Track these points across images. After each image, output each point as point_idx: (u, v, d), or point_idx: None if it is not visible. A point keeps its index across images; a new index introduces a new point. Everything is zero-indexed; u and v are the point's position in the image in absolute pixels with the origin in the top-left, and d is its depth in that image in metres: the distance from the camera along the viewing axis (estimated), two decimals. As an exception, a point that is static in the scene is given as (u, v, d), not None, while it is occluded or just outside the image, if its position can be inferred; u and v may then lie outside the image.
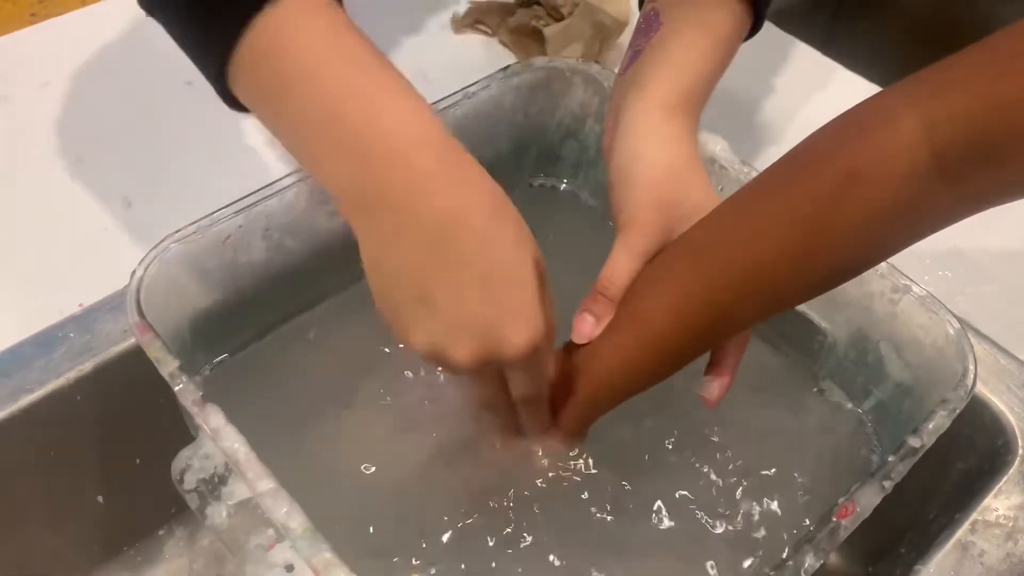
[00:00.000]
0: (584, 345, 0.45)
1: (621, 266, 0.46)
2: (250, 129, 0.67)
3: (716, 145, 0.57)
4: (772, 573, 0.40)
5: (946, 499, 0.56)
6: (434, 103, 0.57)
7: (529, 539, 0.49)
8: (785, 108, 0.76)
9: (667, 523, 0.50)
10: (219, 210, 0.49)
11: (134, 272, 0.46)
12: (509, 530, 0.49)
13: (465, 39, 0.80)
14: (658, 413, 0.53)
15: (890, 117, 0.38)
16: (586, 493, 0.50)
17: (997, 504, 0.53)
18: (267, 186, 0.51)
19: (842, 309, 0.55)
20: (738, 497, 0.52)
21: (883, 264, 0.50)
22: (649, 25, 0.52)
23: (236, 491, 0.42)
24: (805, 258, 0.41)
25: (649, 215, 0.47)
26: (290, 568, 0.41)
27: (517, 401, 0.44)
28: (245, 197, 0.50)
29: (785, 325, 0.58)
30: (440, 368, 0.41)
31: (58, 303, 0.56)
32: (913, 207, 0.39)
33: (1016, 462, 0.54)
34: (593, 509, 0.50)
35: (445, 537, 0.48)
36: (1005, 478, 0.54)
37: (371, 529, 0.48)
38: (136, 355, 0.45)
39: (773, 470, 0.53)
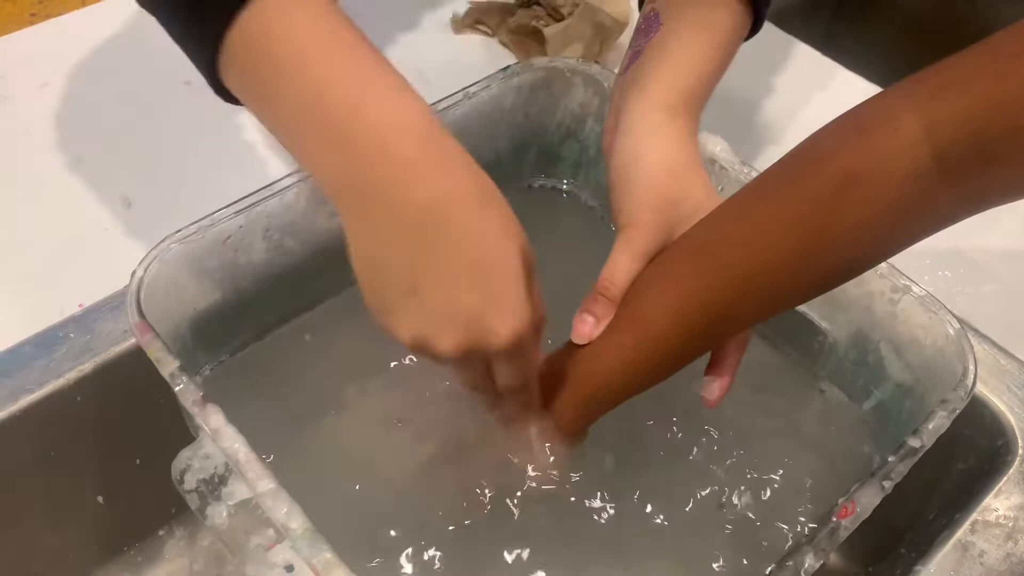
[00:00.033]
0: (584, 345, 0.45)
1: (621, 267, 0.46)
2: (250, 129, 0.67)
3: (716, 145, 0.57)
4: (772, 573, 0.40)
5: (946, 499, 0.56)
6: (434, 103, 0.57)
7: (529, 539, 0.49)
8: (785, 108, 0.76)
9: (667, 523, 0.50)
10: (219, 210, 0.49)
11: (134, 272, 0.46)
12: (509, 530, 0.49)
13: (465, 39, 0.80)
14: (658, 413, 0.53)
15: (891, 117, 0.38)
16: (586, 493, 0.50)
17: (997, 504, 0.53)
18: (267, 186, 0.51)
19: (842, 309, 0.55)
20: (738, 497, 0.52)
21: (883, 264, 0.50)
22: (649, 25, 0.52)
23: (236, 491, 0.42)
24: (806, 258, 0.41)
25: (649, 215, 0.47)
26: (290, 568, 0.41)
27: (503, 391, 0.44)
28: (245, 197, 0.50)
29: (785, 325, 0.58)
30: (426, 358, 0.40)
31: (58, 303, 0.56)
32: (914, 207, 0.39)
33: (1016, 462, 0.54)
34: (593, 509, 0.50)
35: (445, 537, 0.48)
36: (1005, 478, 0.54)
37: (371, 529, 0.48)
38: (136, 355, 0.45)
39: (773, 470, 0.53)
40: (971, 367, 0.48)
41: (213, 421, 0.41)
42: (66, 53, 0.73)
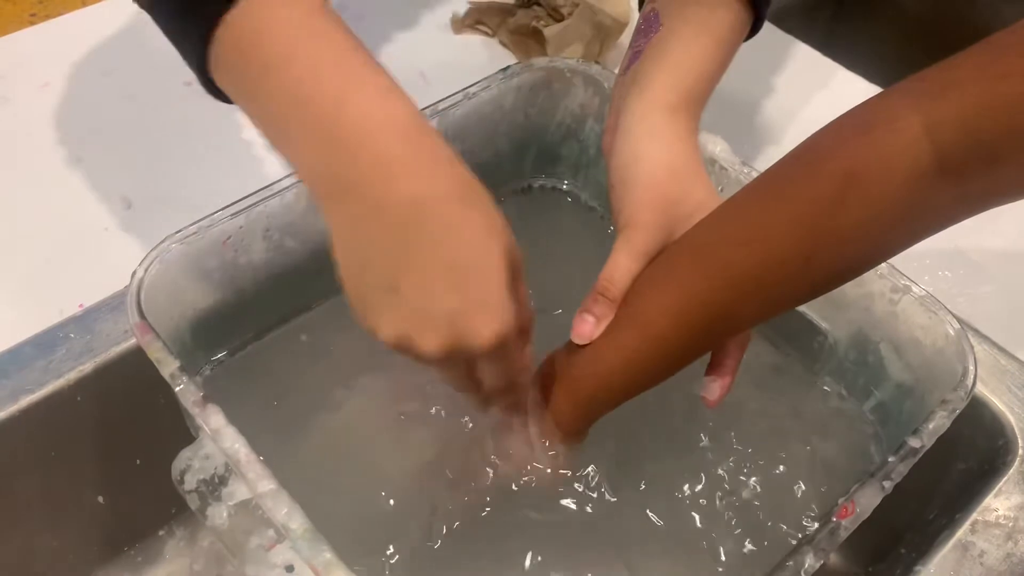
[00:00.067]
0: (584, 346, 0.45)
1: (622, 266, 0.46)
2: (250, 129, 0.67)
3: (716, 146, 0.57)
4: (773, 573, 0.40)
5: (946, 499, 0.56)
6: (434, 103, 0.57)
7: (529, 539, 0.49)
8: (785, 108, 0.76)
9: (667, 523, 0.50)
10: (219, 210, 0.49)
11: (134, 272, 0.46)
12: (510, 530, 0.49)
13: (465, 39, 0.80)
14: (658, 414, 0.53)
15: (892, 117, 0.38)
16: (586, 493, 0.50)
17: (997, 504, 0.53)
18: (267, 187, 0.51)
19: (842, 310, 0.55)
20: (738, 497, 0.52)
21: (883, 264, 0.50)
22: (649, 26, 0.52)
23: (236, 491, 0.42)
24: (806, 258, 0.41)
25: (650, 215, 0.47)
26: (290, 568, 0.41)
27: (489, 393, 0.44)
28: (245, 198, 0.50)
29: (786, 326, 0.58)
30: (410, 358, 0.40)
31: (58, 304, 0.56)
32: (915, 207, 0.39)
33: (1016, 462, 0.54)
34: (594, 509, 0.50)
35: (445, 537, 0.48)
36: (1005, 478, 0.54)
37: (371, 529, 0.48)
38: (136, 355, 0.45)
39: (773, 470, 0.53)
40: (971, 367, 0.48)
41: (213, 421, 0.41)
42: (66, 53, 0.73)
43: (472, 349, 0.38)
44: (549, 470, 0.49)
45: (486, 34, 0.80)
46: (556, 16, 0.75)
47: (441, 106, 0.57)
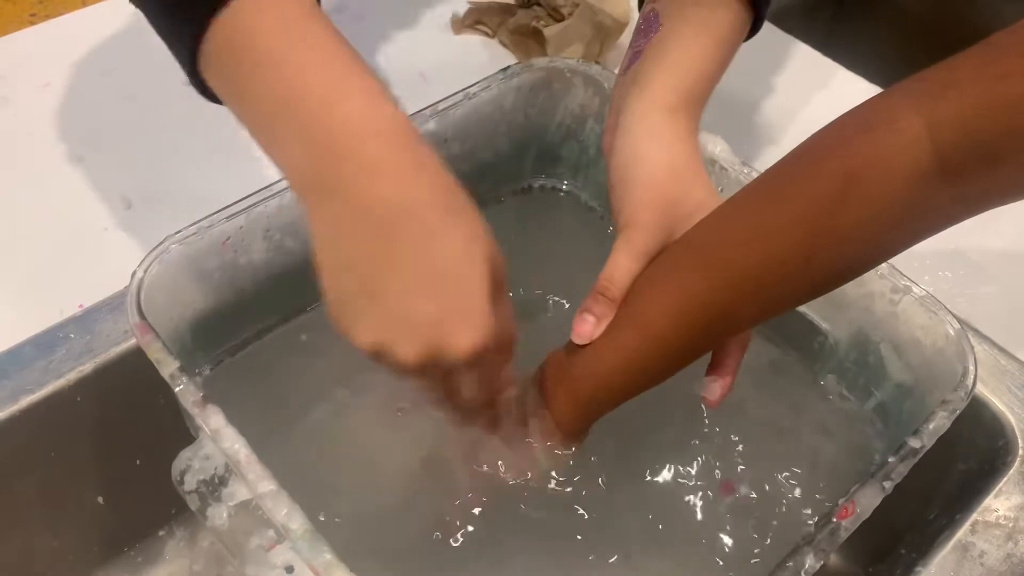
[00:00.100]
0: (584, 345, 0.45)
1: (622, 266, 0.46)
2: (250, 129, 0.67)
3: (716, 146, 0.57)
4: (773, 574, 0.40)
5: (946, 500, 0.56)
6: (434, 103, 0.57)
7: (530, 538, 0.49)
8: (785, 108, 0.76)
9: (668, 524, 0.50)
10: (219, 211, 0.49)
11: (134, 273, 0.46)
12: (510, 529, 0.49)
13: (465, 39, 0.80)
14: (659, 414, 0.53)
15: (892, 117, 0.38)
16: (586, 493, 0.50)
17: (997, 505, 0.53)
18: (267, 187, 0.51)
19: (842, 310, 0.55)
20: (738, 498, 0.52)
21: (883, 265, 0.50)
22: (649, 26, 0.52)
23: (236, 492, 0.42)
24: (807, 258, 0.41)
25: (650, 215, 0.47)
26: (290, 569, 0.41)
27: (467, 408, 0.43)
28: (246, 198, 0.50)
29: (786, 326, 0.58)
30: (385, 367, 0.39)
31: (58, 304, 0.56)
32: (915, 207, 0.39)
33: (1016, 463, 0.54)
34: (594, 509, 0.50)
35: (445, 536, 0.48)
36: (1005, 479, 0.54)
37: (371, 529, 0.48)
38: (136, 356, 0.45)
39: (773, 471, 0.53)
40: (971, 367, 0.48)
41: (213, 422, 0.41)
42: (66, 53, 0.73)
43: (449, 359, 0.38)
44: (549, 470, 0.49)
45: (486, 34, 0.80)
46: (556, 16, 0.75)
47: (441, 106, 0.57)
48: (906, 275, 0.52)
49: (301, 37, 0.38)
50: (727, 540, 0.50)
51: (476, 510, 0.48)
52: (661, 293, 0.44)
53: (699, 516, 0.51)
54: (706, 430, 0.54)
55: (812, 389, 0.58)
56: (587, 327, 0.45)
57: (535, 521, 0.49)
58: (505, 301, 0.40)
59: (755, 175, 0.49)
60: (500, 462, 0.48)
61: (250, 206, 0.50)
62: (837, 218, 0.39)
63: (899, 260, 0.44)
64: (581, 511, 0.50)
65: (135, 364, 0.48)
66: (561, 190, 0.70)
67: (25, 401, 0.51)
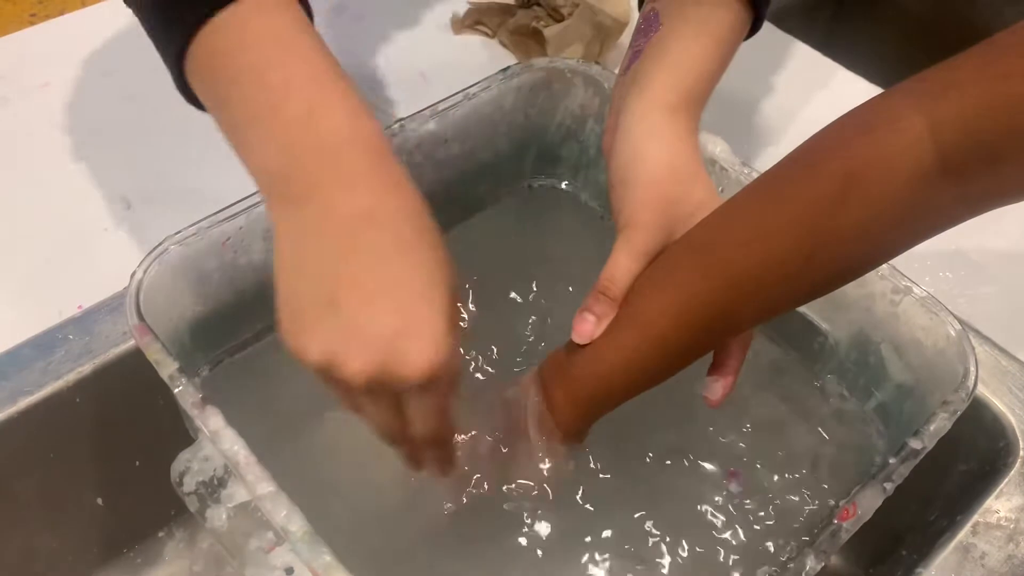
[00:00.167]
0: (585, 345, 0.45)
1: (622, 266, 0.45)
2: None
3: (716, 146, 0.57)
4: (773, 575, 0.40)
5: (947, 501, 0.56)
6: (434, 103, 0.57)
7: (529, 539, 0.48)
8: (785, 108, 0.76)
9: (668, 524, 0.50)
10: (219, 211, 0.49)
11: (133, 274, 0.46)
12: (509, 532, 0.48)
13: (465, 40, 0.80)
14: (659, 414, 0.53)
15: (894, 117, 0.38)
16: (586, 494, 0.50)
17: (998, 506, 0.52)
18: (267, 187, 0.51)
19: (843, 310, 0.55)
20: (739, 498, 0.52)
21: (884, 265, 0.50)
22: (649, 25, 0.52)
23: (236, 494, 0.42)
24: (807, 259, 0.41)
25: (650, 215, 0.47)
26: (290, 571, 0.41)
27: (418, 441, 0.42)
28: (245, 198, 0.50)
29: (786, 326, 0.58)
30: (331, 385, 0.38)
31: (57, 305, 0.55)
32: (916, 208, 0.38)
33: (1017, 464, 0.54)
34: (593, 510, 0.50)
35: (445, 537, 0.48)
36: (1006, 480, 0.53)
37: (371, 531, 0.48)
38: (135, 357, 0.45)
39: (774, 471, 0.53)
40: (972, 368, 0.48)
41: (212, 423, 0.40)
42: (66, 53, 0.73)
43: (401, 377, 0.36)
44: (549, 470, 0.48)
45: (486, 34, 0.80)
46: (556, 16, 0.75)
47: (441, 106, 0.57)
48: (907, 276, 0.52)
49: (289, 47, 0.39)
50: (727, 540, 0.50)
51: (476, 511, 0.48)
52: (661, 293, 0.44)
53: (699, 516, 0.51)
54: (706, 430, 0.54)
55: (812, 389, 0.58)
56: (588, 326, 0.45)
57: (535, 521, 0.49)
58: (456, 335, 0.39)
59: (755, 175, 0.49)
60: (500, 462, 0.48)
61: (250, 206, 0.50)
62: (837, 219, 0.39)
63: (900, 261, 0.44)
64: (580, 511, 0.50)
65: (134, 365, 0.48)
66: (561, 190, 0.70)
67: (24, 402, 0.51)
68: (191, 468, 0.43)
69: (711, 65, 0.50)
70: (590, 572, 0.48)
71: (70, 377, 0.53)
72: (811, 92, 0.78)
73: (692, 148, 0.49)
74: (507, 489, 0.49)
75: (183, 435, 0.45)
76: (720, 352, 0.47)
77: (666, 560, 0.49)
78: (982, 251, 0.66)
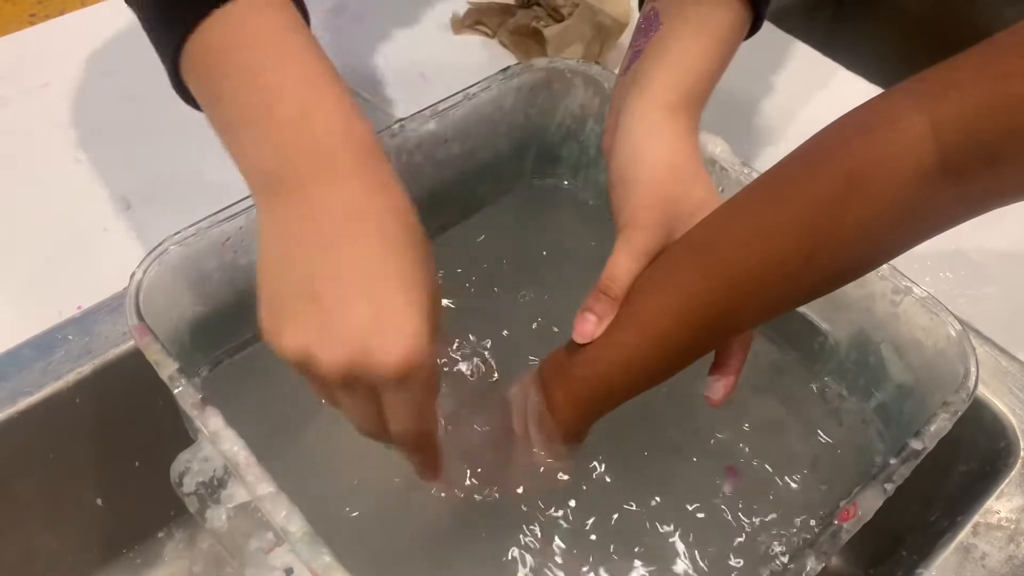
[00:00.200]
0: (585, 345, 0.45)
1: (623, 266, 0.45)
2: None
3: (716, 146, 0.57)
4: (773, 576, 0.40)
5: (948, 501, 0.56)
6: (434, 103, 0.57)
7: (529, 540, 0.48)
8: (785, 108, 0.76)
9: (668, 525, 0.50)
10: (219, 212, 0.49)
11: (133, 274, 0.46)
12: (510, 533, 0.48)
13: (465, 40, 0.80)
14: (660, 413, 0.53)
15: (894, 117, 0.38)
16: (586, 494, 0.50)
17: (999, 506, 0.52)
18: (267, 187, 0.51)
19: (843, 310, 0.55)
20: (739, 498, 0.51)
21: (884, 266, 0.50)
22: (649, 25, 0.52)
23: (235, 494, 0.42)
24: (808, 259, 0.41)
25: (650, 214, 0.47)
26: (289, 571, 0.41)
27: (398, 441, 0.41)
28: (245, 198, 0.50)
29: (786, 326, 0.58)
30: (307, 378, 0.38)
31: (57, 305, 0.55)
32: (917, 208, 0.38)
33: (1018, 464, 0.54)
34: (593, 510, 0.50)
35: (445, 538, 0.48)
36: (1007, 480, 0.53)
37: (371, 532, 0.48)
38: (135, 357, 0.45)
39: (774, 471, 0.53)
40: (972, 369, 0.48)
41: (212, 424, 0.40)
42: (66, 53, 0.73)
43: (377, 370, 0.36)
44: (549, 470, 0.48)
45: (486, 34, 0.80)
46: (556, 16, 0.75)
47: (441, 106, 0.57)
48: (907, 276, 0.52)
49: (285, 48, 0.39)
50: (728, 541, 0.50)
51: (476, 512, 0.48)
52: (662, 292, 0.44)
53: (699, 517, 0.51)
54: (706, 430, 0.54)
55: (812, 390, 0.58)
56: (588, 326, 0.45)
57: (535, 522, 0.49)
58: (435, 333, 0.38)
59: (755, 175, 0.49)
60: (500, 463, 0.48)
61: (250, 207, 0.50)
62: (838, 219, 0.39)
63: (900, 261, 0.44)
64: (581, 512, 0.50)
65: (134, 366, 0.48)
66: (561, 190, 0.70)
67: (24, 403, 0.51)
68: (191, 468, 0.43)
69: (711, 65, 0.50)
70: (590, 571, 0.48)
71: (70, 377, 0.53)
72: (811, 92, 0.78)
73: (692, 148, 0.49)
74: (507, 489, 0.49)
75: (183, 435, 0.45)
76: (721, 352, 0.47)
77: (667, 560, 0.49)
78: (982, 251, 0.66)
